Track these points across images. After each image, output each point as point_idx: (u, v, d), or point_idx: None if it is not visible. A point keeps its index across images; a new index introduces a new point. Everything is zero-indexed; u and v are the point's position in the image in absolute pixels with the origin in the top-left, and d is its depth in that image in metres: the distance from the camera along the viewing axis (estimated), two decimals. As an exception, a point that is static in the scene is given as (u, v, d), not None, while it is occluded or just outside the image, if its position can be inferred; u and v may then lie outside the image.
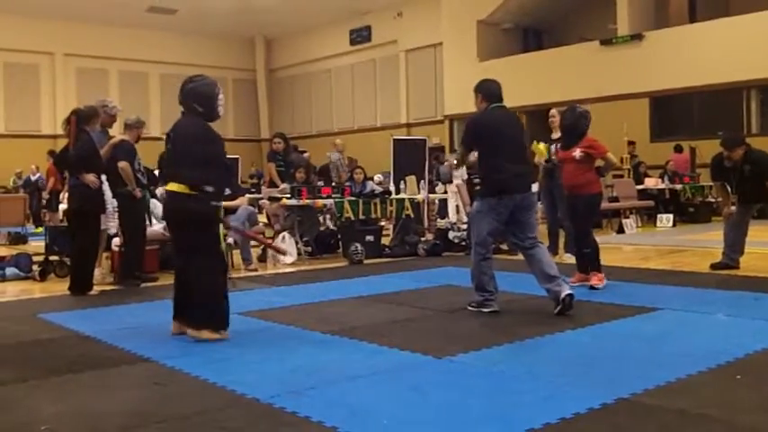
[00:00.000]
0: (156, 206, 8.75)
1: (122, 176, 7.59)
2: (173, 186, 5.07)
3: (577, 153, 6.80)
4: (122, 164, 7.62)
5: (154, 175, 8.84)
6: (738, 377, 3.88)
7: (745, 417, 3.27)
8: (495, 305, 5.81)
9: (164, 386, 3.98)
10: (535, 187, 5.84)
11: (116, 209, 7.51)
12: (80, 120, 7.45)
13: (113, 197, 7.53)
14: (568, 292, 5.59)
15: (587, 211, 6.98)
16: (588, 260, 6.89)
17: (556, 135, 8.92)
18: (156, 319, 5.74)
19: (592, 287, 6.74)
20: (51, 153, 14.24)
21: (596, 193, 6.94)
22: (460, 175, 13.64)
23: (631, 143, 17.05)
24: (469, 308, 5.89)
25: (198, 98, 5.13)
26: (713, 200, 14.74)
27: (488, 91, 5.98)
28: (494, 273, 5.87)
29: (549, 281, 5.66)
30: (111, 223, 7.44)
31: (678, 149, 17.02)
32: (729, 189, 8.16)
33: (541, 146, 8.95)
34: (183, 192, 5.01)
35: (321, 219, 11.32)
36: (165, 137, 5.26)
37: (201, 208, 5.01)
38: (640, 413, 3.35)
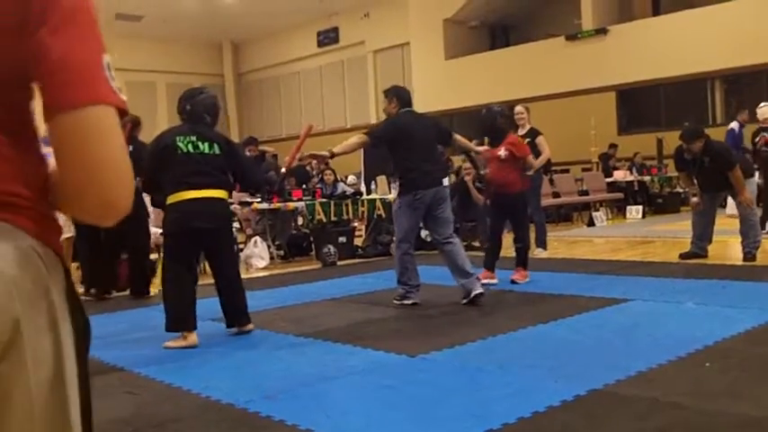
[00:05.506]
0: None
1: None
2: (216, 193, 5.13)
3: (502, 152, 6.92)
4: None
5: None
6: (707, 364, 3.93)
7: (713, 402, 3.33)
8: (415, 297, 6.17)
9: (136, 394, 3.96)
10: (446, 181, 6.41)
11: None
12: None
13: None
14: (480, 291, 5.98)
15: (521, 209, 7.18)
16: (518, 255, 7.14)
17: (522, 131, 8.99)
18: (126, 328, 5.70)
19: (513, 281, 6.95)
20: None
21: (522, 191, 7.11)
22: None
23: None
24: (394, 302, 6.21)
25: (208, 109, 5.32)
26: (681, 190, 14.90)
27: (402, 96, 6.42)
28: (416, 267, 6.22)
29: (463, 276, 6.02)
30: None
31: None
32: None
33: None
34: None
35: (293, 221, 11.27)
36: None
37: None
38: (613, 403, 3.39)
